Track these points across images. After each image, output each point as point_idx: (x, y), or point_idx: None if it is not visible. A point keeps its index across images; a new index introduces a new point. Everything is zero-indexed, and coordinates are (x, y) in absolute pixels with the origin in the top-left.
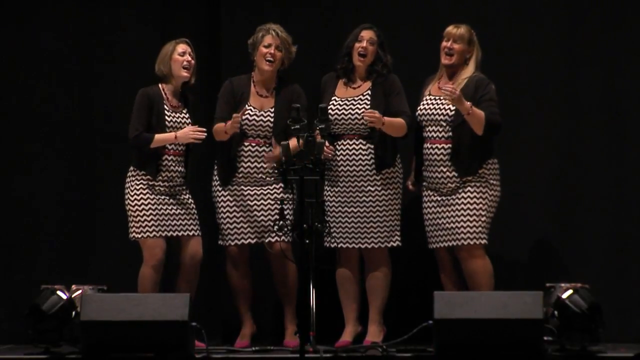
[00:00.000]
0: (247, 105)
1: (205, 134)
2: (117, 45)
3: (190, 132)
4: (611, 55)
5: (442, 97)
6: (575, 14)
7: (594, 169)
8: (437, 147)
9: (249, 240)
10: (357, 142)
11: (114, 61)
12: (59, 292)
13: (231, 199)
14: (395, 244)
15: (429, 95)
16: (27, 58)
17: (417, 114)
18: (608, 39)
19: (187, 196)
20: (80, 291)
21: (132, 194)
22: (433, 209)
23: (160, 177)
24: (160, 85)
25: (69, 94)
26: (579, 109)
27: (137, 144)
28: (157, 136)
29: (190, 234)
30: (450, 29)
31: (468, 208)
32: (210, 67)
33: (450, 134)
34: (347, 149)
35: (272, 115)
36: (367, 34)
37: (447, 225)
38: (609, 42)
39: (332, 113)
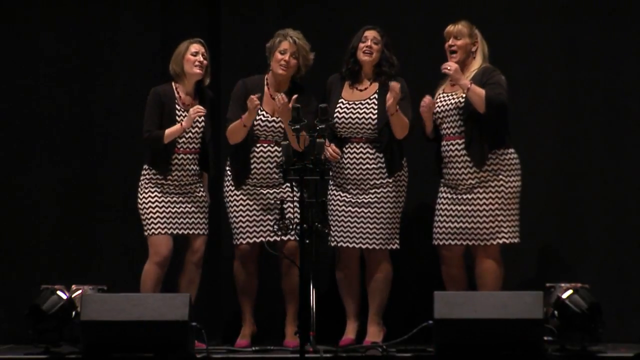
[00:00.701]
0: (259, 111)
1: (205, 110)
2: (117, 45)
3: (192, 114)
4: (611, 55)
5: (454, 93)
6: (575, 14)
7: (594, 168)
8: (452, 144)
9: (261, 238)
10: (364, 146)
11: (114, 61)
12: (59, 292)
13: (244, 198)
14: (394, 247)
15: (443, 92)
16: (27, 58)
17: (433, 112)
18: (608, 39)
19: (201, 194)
20: (80, 291)
21: (142, 191)
22: (447, 206)
23: (170, 177)
24: (172, 84)
25: (69, 94)
26: (579, 109)
27: (150, 143)
28: (167, 131)
29: (197, 232)
30: (449, 28)
31: (484, 209)
32: (211, 68)
33: (464, 127)
34: (355, 152)
35: None
36: (370, 34)
37: (461, 224)
38: (609, 42)
39: (340, 116)
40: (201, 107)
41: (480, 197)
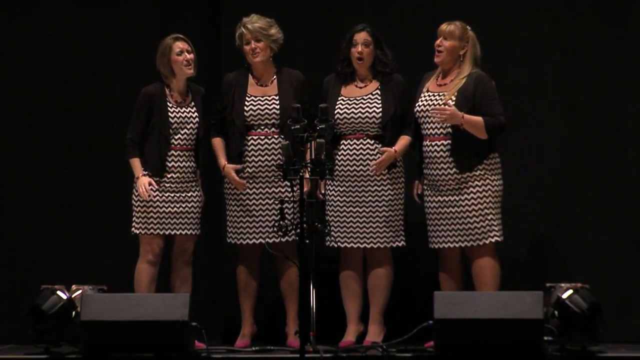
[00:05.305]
0: (247, 97)
1: (153, 191)
2: (118, 45)
3: (144, 186)
4: (611, 55)
5: (440, 93)
6: (575, 14)
7: (593, 168)
8: (436, 144)
9: (260, 239)
10: (364, 142)
11: (114, 61)
12: (59, 292)
13: (243, 197)
14: (400, 244)
15: (427, 91)
16: (26, 58)
17: (415, 110)
18: (607, 38)
19: (195, 193)
20: (80, 291)
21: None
22: (436, 209)
23: (165, 175)
24: (163, 82)
25: (69, 93)
26: (578, 108)
27: (126, 148)
28: (134, 160)
29: (188, 232)
30: (442, 26)
31: (473, 209)
32: (211, 66)
33: (449, 129)
34: (355, 148)
35: (277, 101)
36: (360, 37)
37: (453, 227)
38: (609, 42)
39: (341, 112)
40: (151, 186)
41: (469, 197)
